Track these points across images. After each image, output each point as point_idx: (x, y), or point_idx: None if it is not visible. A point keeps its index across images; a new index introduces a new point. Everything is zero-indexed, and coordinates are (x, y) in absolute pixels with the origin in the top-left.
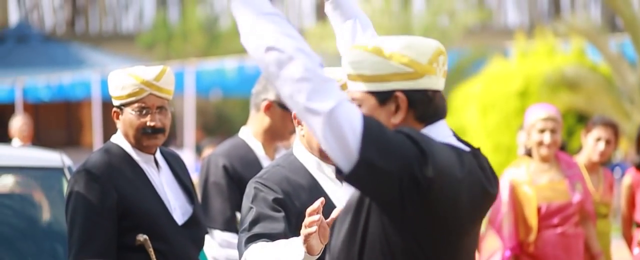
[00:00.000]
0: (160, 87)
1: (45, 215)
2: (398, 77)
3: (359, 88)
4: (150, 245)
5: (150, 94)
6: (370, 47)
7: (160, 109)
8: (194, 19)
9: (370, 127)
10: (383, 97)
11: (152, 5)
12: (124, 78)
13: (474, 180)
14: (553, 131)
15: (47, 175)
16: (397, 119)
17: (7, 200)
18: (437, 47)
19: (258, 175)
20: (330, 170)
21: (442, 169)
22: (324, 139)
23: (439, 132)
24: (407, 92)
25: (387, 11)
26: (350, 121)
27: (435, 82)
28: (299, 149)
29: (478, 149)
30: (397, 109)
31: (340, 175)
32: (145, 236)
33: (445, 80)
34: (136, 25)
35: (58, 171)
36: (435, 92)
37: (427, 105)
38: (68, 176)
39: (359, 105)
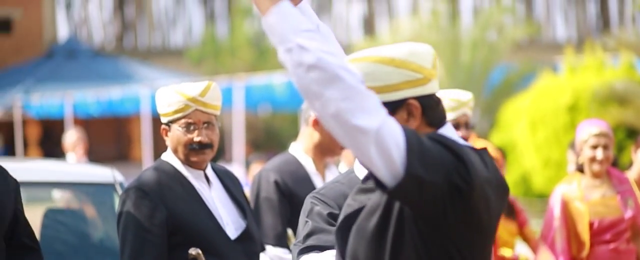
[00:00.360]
0: (206, 102)
1: (97, 230)
2: (409, 85)
3: None
4: (204, 258)
5: (196, 109)
6: (377, 57)
7: (207, 124)
8: (242, 34)
9: (411, 140)
10: (394, 107)
11: (201, 21)
12: (169, 95)
13: (497, 178)
14: (605, 147)
15: (98, 191)
16: (411, 127)
17: (59, 215)
18: (432, 50)
19: (316, 190)
20: None
21: (478, 173)
22: (367, 157)
23: (451, 134)
24: (419, 99)
25: (436, 26)
26: (394, 137)
27: (437, 85)
28: (360, 166)
29: (485, 149)
30: (409, 116)
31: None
32: (198, 250)
33: (495, 95)
34: (185, 40)
35: (109, 187)
36: (437, 95)
37: (435, 109)
38: (119, 192)
39: None
